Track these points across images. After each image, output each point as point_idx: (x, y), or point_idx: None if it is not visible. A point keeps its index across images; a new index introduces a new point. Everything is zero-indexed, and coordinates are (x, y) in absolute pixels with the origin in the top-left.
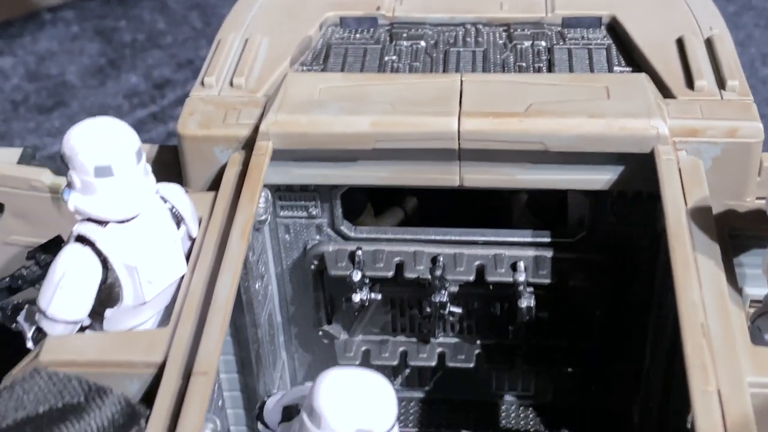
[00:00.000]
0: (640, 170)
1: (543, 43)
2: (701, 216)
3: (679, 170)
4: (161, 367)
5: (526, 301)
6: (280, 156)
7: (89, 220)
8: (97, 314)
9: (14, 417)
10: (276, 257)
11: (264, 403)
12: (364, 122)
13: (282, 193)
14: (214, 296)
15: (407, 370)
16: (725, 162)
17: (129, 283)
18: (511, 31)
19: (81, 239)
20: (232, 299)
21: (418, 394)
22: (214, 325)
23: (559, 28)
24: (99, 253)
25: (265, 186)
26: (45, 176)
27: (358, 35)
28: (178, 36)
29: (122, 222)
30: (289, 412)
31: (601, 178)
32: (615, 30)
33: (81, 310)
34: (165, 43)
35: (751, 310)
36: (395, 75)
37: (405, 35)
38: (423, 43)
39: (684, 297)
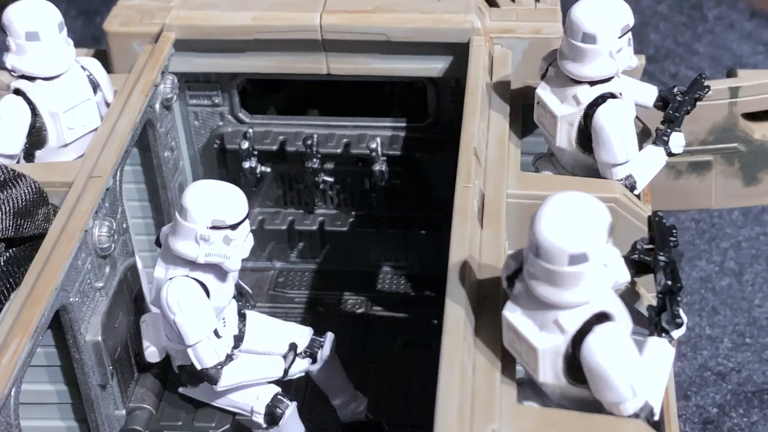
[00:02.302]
0: (467, 60)
1: None
2: (500, 88)
3: (492, 58)
4: (72, 185)
5: (379, 166)
6: (183, 47)
7: (22, 77)
8: (29, 155)
9: None
10: (189, 141)
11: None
12: (247, 17)
13: (190, 83)
14: (113, 130)
15: (301, 244)
16: (532, 54)
17: (53, 126)
18: None
19: (16, 91)
20: (128, 133)
21: (311, 266)
22: (110, 148)
23: None
24: (29, 102)
25: (173, 73)
26: (4, 77)
27: None
28: None
29: (47, 79)
30: None
31: (437, 66)
32: None
33: (15, 146)
34: None
35: None
36: None
37: None
38: None
39: (465, 130)
